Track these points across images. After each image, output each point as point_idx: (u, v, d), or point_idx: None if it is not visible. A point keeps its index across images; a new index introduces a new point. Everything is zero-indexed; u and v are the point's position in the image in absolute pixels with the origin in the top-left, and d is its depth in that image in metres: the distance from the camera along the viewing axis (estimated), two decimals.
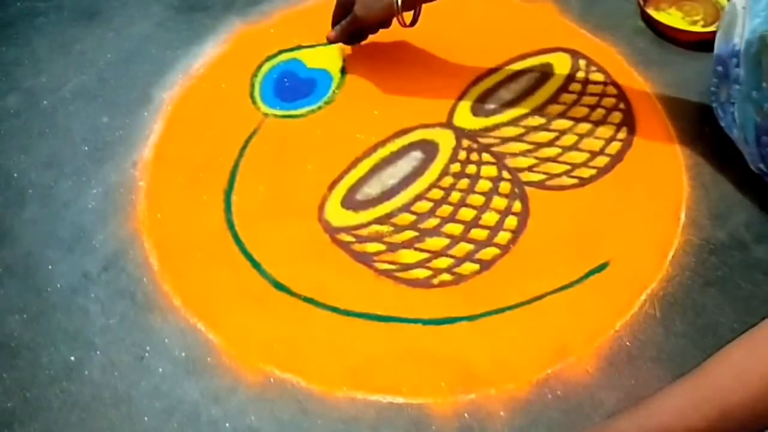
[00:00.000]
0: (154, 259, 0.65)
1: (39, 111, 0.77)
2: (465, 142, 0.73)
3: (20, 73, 0.81)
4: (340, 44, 0.80)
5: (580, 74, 0.79)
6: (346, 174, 0.71)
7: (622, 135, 0.73)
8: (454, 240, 0.65)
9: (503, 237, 0.66)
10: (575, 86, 0.77)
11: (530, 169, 0.71)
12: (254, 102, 0.77)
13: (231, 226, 0.67)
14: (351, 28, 0.75)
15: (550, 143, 0.72)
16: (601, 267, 0.63)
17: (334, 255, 0.65)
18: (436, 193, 0.69)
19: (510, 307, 0.61)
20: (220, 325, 0.61)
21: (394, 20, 0.74)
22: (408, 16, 0.73)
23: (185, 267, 0.64)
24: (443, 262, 0.64)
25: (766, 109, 0.59)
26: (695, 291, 0.61)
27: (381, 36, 0.80)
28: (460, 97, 0.77)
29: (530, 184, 0.69)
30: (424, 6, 0.73)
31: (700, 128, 0.73)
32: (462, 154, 0.72)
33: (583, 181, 0.70)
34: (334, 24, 0.77)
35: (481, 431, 0.54)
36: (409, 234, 0.66)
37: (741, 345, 0.47)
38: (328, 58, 0.81)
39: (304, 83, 0.79)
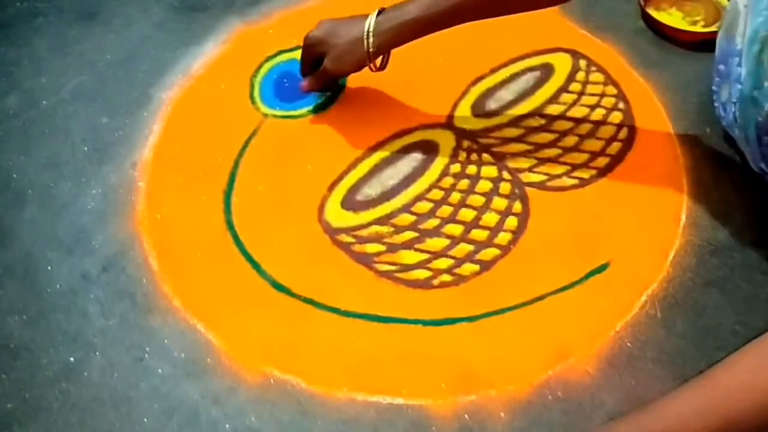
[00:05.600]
0: (153, 259, 0.65)
1: (38, 112, 0.77)
2: (465, 143, 0.73)
3: (20, 73, 0.81)
4: None
5: (581, 74, 0.79)
6: (346, 174, 0.71)
7: (622, 135, 0.73)
8: (455, 241, 0.65)
9: (503, 238, 0.65)
10: (575, 86, 0.77)
11: (530, 169, 0.70)
12: (254, 102, 0.77)
13: (231, 226, 0.67)
14: (324, 79, 0.74)
15: (550, 144, 0.72)
16: (602, 268, 0.63)
17: (334, 256, 0.65)
18: (437, 194, 0.69)
19: (510, 308, 0.61)
20: (219, 326, 0.60)
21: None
22: (379, 60, 0.71)
23: (185, 268, 0.64)
24: (443, 263, 0.64)
25: (767, 109, 0.59)
26: (696, 292, 0.61)
27: None
28: (461, 98, 0.77)
29: (530, 184, 0.69)
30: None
31: (700, 128, 0.73)
32: (462, 155, 0.72)
33: (584, 182, 0.69)
34: (304, 72, 0.76)
35: None
36: (410, 235, 0.66)
37: (748, 354, 0.46)
38: None
39: None
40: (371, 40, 0.68)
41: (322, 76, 0.74)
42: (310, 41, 0.72)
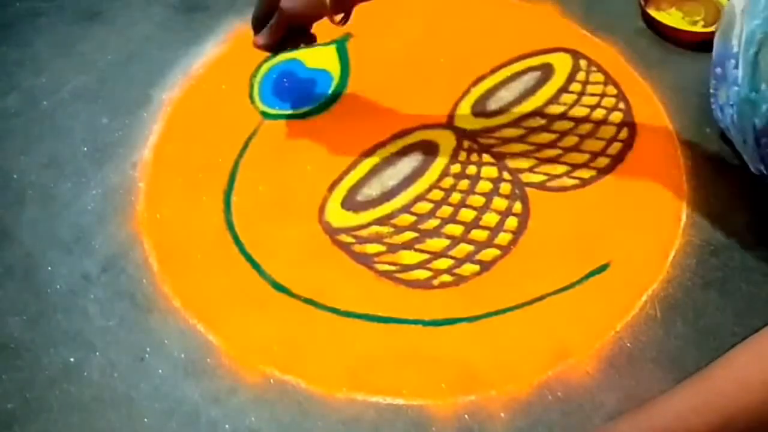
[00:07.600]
0: (153, 260, 0.65)
1: (39, 112, 0.77)
2: (465, 143, 0.73)
3: (20, 73, 0.81)
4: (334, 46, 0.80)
5: (581, 74, 0.79)
6: (346, 175, 0.71)
7: (622, 135, 0.73)
8: (455, 241, 0.65)
9: (503, 238, 0.66)
10: (576, 86, 0.77)
11: (531, 169, 0.70)
12: (253, 102, 0.77)
13: (231, 226, 0.67)
14: (281, 26, 0.67)
15: (550, 144, 0.72)
16: (602, 268, 0.63)
17: (334, 256, 0.65)
18: (437, 194, 0.69)
19: (510, 309, 0.61)
20: (219, 326, 0.61)
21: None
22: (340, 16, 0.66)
23: (185, 268, 0.64)
24: (443, 263, 0.64)
25: (764, 111, 0.59)
26: (696, 292, 0.61)
27: (379, 35, 0.79)
28: (461, 98, 0.77)
29: (531, 185, 0.69)
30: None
31: (700, 129, 0.73)
32: (462, 155, 0.72)
33: (584, 182, 0.69)
34: (257, 28, 0.69)
35: None
36: (410, 235, 0.66)
37: (745, 350, 0.47)
38: (328, 58, 0.81)
39: (303, 83, 0.79)
40: None
41: (278, 23, 0.66)
42: None
